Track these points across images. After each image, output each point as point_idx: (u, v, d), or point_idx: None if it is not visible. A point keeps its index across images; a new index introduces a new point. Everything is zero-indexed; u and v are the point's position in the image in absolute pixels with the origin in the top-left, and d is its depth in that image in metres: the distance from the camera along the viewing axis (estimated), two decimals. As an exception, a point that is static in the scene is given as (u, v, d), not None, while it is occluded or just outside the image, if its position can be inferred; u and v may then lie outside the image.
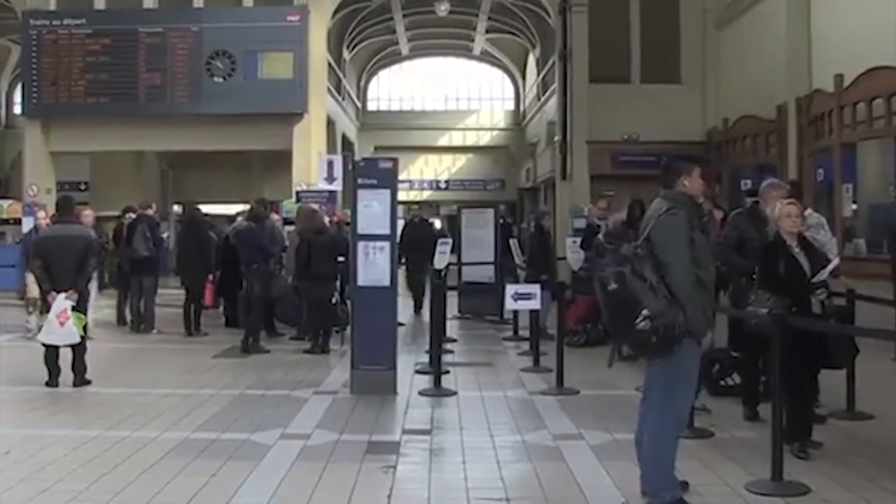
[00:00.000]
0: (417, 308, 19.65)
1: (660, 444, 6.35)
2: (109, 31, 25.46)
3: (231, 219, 18.24)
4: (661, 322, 5.99)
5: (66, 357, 11.35)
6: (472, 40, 39.94)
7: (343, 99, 35.01)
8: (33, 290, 13.56)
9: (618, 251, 6.28)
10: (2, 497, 7.05)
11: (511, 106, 43.93)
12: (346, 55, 36.28)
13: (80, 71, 25.36)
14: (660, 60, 26.24)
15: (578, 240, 16.19)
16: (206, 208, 18.15)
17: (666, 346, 6.06)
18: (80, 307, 11.29)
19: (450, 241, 17.18)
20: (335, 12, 27.75)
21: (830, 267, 8.16)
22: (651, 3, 26.29)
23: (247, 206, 17.19)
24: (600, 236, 14.27)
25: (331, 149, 27.45)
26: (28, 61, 26.17)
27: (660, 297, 6.03)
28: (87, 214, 15.08)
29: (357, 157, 27.05)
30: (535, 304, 11.71)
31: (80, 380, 11.25)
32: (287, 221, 17.10)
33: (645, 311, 6.01)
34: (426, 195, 40.75)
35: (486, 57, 42.76)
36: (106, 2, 26.56)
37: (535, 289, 11.69)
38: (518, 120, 42.17)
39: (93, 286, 14.23)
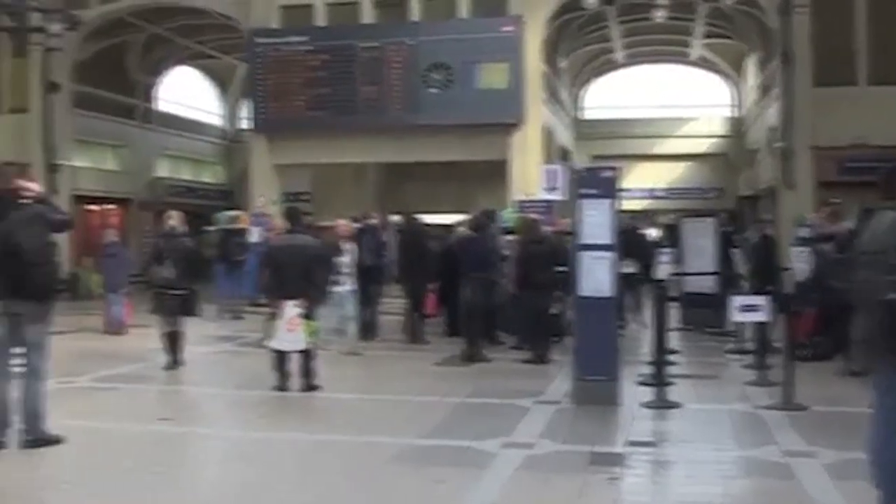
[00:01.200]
0: (635, 318, 19.36)
1: None
2: (329, 47, 26.41)
3: (447, 228, 18.41)
4: None
5: (296, 363, 11.72)
6: (689, 46, 39.21)
7: (558, 108, 34.99)
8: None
9: (879, 261, 5.96)
10: (229, 495, 7.35)
11: (729, 112, 42.96)
12: (561, 64, 36.24)
13: (301, 86, 26.38)
14: (889, 60, 25.14)
15: (806, 249, 15.64)
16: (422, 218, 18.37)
17: None
18: (311, 315, 11.64)
19: (670, 250, 16.83)
20: (549, 21, 27.77)
21: None
22: (878, 1, 25.23)
23: (464, 217, 17.32)
24: (823, 245, 13.79)
25: (548, 158, 27.45)
26: (254, 78, 27.34)
27: None
28: (343, 225, 15.40)
29: (574, 167, 27.04)
30: (762, 315, 11.40)
31: (309, 385, 11.59)
32: (506, 231, 17.13)
33: None
34: (643, 204, 40.18)
35: (702, 62, 41.91)
36: (327, 18, 27.39)
37: (763, 300, 11.38)
38: (736, 126, 41.19)
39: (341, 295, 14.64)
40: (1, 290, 8.52)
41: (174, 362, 13.63)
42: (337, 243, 14.89)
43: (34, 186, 8.99)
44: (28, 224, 8.52)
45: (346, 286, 14.83)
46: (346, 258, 14.96)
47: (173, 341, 13.66)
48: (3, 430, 8.59)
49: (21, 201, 8.63)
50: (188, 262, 13.86)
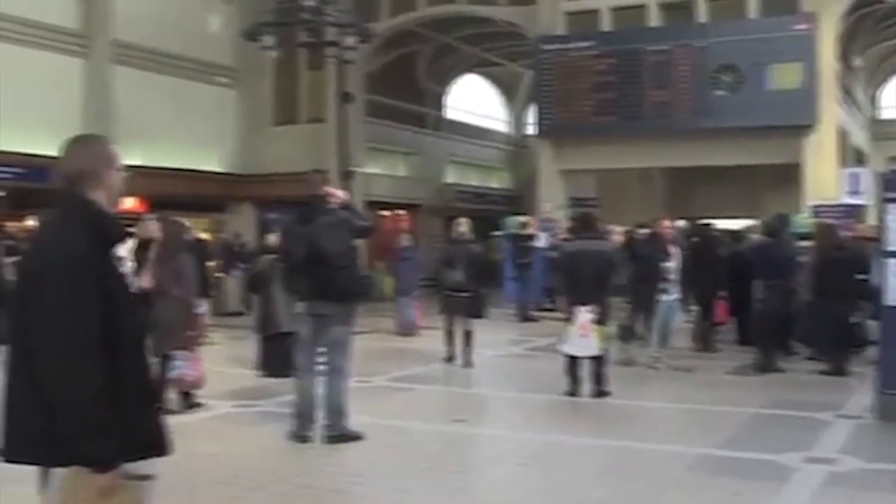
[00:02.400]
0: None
1: None
2: (616, 51, 26.42)
3: (735, 234, 17.93)
4: None
5: (588, 368, 11.69)
6: None
7: (853, 108, 33.55)
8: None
9: None
10: (523, 498, 7.44)
11: None
12: (856, 62, 34.70)
13: (587, 91, 26.48)
14: None
15: None
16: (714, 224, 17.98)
17: None
18: (604, 320, 11.61)
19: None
20: (844, 17, 26.64)
21: None
22: None
23: (754, 221, 16.85)
24: None
25: (843, 161, 26.37)
26: (540, 84, 27.63)
27: None
28: (669, 227, 14.70)
29: (872, 170, 25.92)
30: None
31: (599, 391, 11.57)
32: (800, 236, 16.52)
33: None
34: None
35: None
36: (613, 23, 27.35)
37: None
38: None
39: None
40: (307, 292, 8.96)
41: (452, 357, 14.36)
42: (664, 247, 14.23)
43: (340, 193, 9.42)
44: (333, 229, 8.92)
45: (672, 295, 14.11)
46: (672, 263, 14.14)
47: (450, 339, 14.42)
48: (308, 424, 9.04)
49: (328, 207, 9.06)
50: (477, 266, 14.25)
